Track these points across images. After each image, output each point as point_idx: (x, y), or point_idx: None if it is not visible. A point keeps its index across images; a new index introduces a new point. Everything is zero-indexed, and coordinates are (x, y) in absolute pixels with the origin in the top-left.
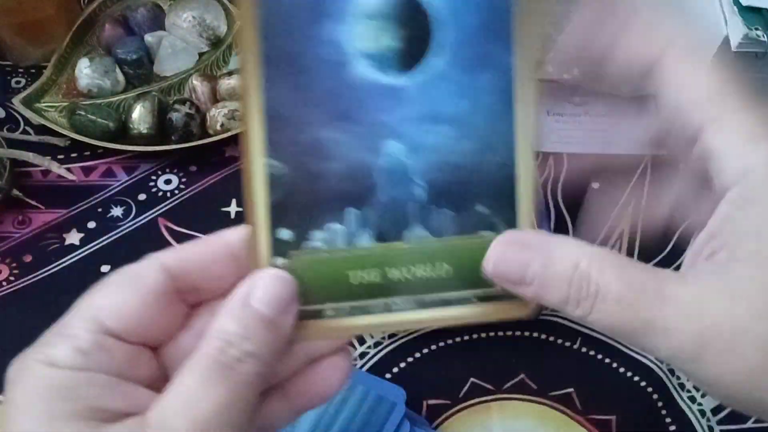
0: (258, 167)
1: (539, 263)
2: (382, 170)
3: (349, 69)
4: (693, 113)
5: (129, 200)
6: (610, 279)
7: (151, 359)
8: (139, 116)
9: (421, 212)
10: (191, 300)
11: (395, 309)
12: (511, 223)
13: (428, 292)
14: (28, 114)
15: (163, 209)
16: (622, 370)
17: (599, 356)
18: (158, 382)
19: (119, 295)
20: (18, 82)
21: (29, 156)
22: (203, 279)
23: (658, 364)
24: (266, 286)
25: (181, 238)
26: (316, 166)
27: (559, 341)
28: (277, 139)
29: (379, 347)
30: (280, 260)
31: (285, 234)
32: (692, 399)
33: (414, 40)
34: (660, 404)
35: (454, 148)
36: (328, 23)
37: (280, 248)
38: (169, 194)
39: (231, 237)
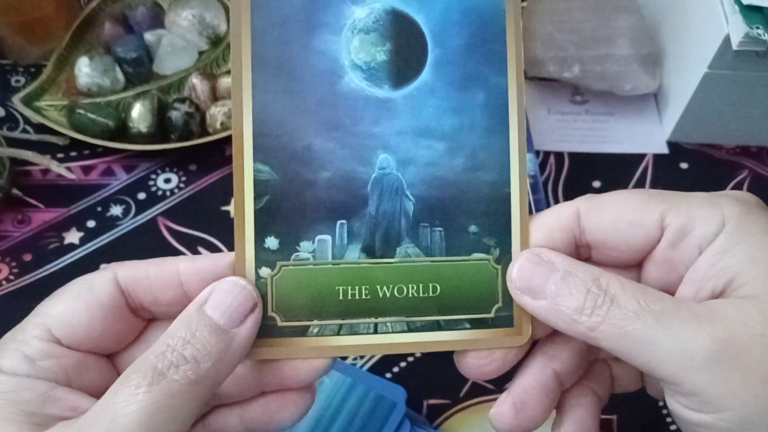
0: (246, 171)
1: (560, 275)
2: (374, 183)
3: (342, 80)
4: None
5: (128, 199)
6: (627, 290)
7: (103, 366)
8: (139, 115)
9: (413, 229)
10: (146, 316)
11: (384, 330)
12: (506, 246)
13: (418, 314)
14: (28, 113)
15: (163, 208)
16: None
17: None
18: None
19: (69, 306)
20: (18, 81)
21: (29, 155)
22: (151, 303)
23: None
24: (223, 293)
25: (180, 237)
26: (305, 175)
27: None
28: (266, 144)
29: None
30: (265, 270)
31: (272, 243)
32: None
33: (409, 57)
34: (661, 404)
35: (447, 165)
36: (323, 34)
37: (266, 258)
38: (168, 193)
39: (183, 267)
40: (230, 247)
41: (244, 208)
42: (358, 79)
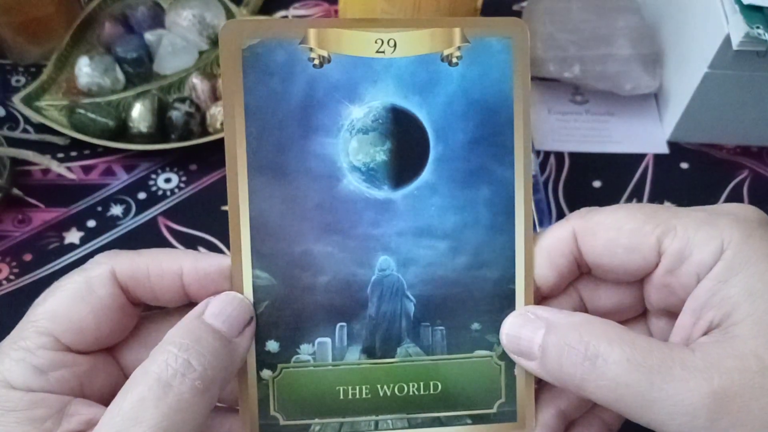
0: (245, 278)
1: (543, 333)
2: (374, 285)
3: (340, 183)
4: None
5: (129, 199)
6: (614, 345)
7: (109, 364)
8: (139, 115)
9: (414, 328)
10: (141, 303)
11: (385, 427)
12: None
13: (420, 411)
14: (28, 112)
15: (163, 208)
16: None
17: None
18: (120, 385)
19: (74, 311)
20: (18, 81)
21: (29, 155)
22: (150, 300)
23: None
24: (222, 304)
25: (180, 237)
26: (304, 279)
27: None
28: (264, 250)
29: None
30: (267, 372)
31: (273, 346)
32: None
33: (410, 156)
34: None
35: (449, 264)
36: (320, 136)
37: (267, 360)
38: (168, 193)
39: (185, 264)
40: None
41: None
42: (356, 181)
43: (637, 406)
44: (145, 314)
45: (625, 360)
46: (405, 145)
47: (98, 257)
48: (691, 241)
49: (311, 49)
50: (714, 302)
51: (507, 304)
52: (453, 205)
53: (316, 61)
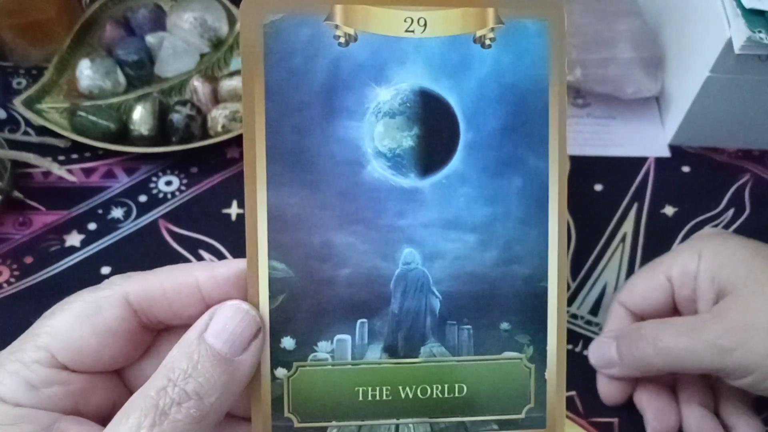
0: (261, 269)
1: (616, 342)
2: (397, 279)
3: (364, 170)
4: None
5: (130, 202)
6: (664, 326)
7: (111, 384)
8: (140, 117)
9: (439, 327)
10: (156, 328)
11: None
12: (541, 343)
13: (443, 416)
14: (29, 115)
15: (164, 211)
16: None
17: None
18: (121, 404)
19: (76, 330)
20: (19, 83)
21: (30, 157)
22: (171, 319)
23: None
24: (225, 319)
25: (181, 240)
26: (324, 272)
27: None
28: (281, 240)
29: None
30: (281, 371)
31: (288, 343)
32: None
33: (439, 142)
34: None
35: (478, 258)
36: (344, 120)
37: (283, 358)
38: (169, 196)
39: (200, 274)
40: (231, 250)
41: (259, 308)
42: (381, 168)
43: (688, 354)
44: (158, 336)
45: (675, 333)
46: (434, 130)
47: (113, 278)
48: (681, 261)
49: (337, 27)
50: (706, 286)
51: (539, 302)
52: (483, 195)
53: (342, 39)
